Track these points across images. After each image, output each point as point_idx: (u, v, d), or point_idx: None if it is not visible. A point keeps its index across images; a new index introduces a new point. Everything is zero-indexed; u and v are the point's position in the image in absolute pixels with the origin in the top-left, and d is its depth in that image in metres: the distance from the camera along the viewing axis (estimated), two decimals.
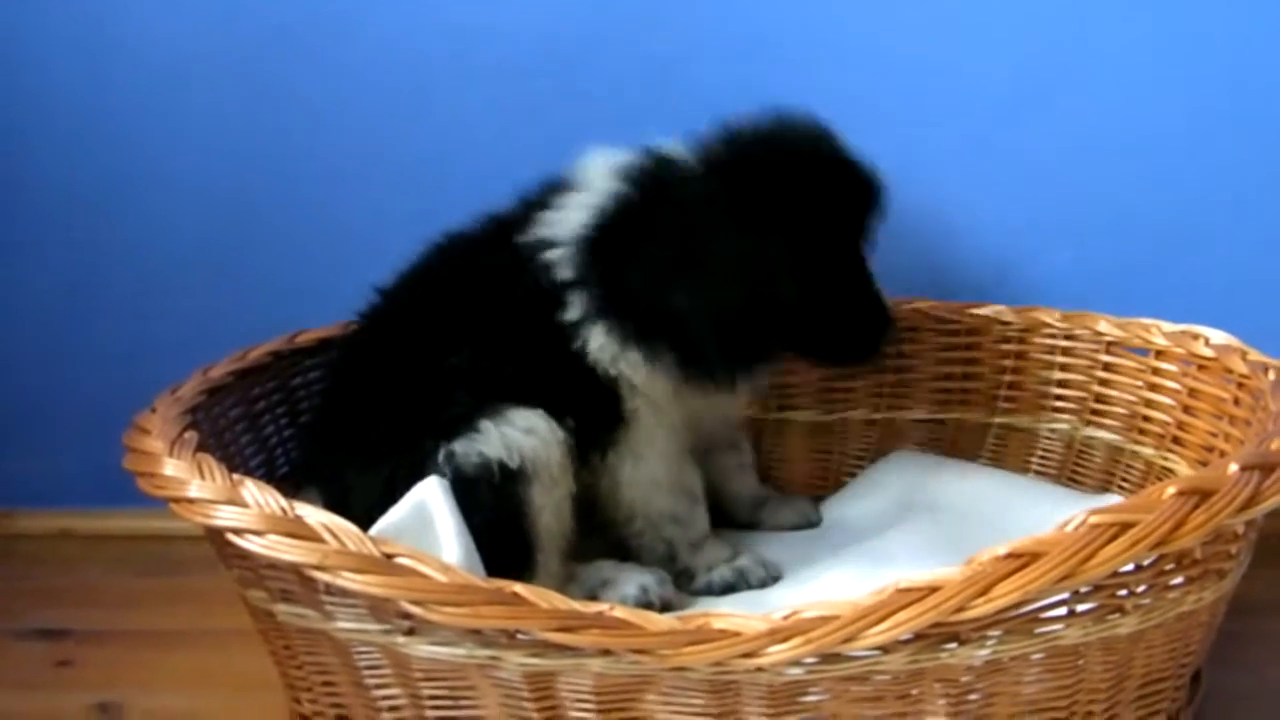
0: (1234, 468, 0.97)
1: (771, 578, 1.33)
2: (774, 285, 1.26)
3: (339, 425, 1.32)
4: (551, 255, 1.29)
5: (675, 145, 1.32)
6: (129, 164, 1.61)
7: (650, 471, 1.32)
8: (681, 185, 1.29)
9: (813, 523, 1.48)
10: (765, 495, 1.50)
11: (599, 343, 1.28)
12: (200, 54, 1.58)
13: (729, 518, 1.47)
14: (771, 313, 1.27)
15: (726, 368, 1.30)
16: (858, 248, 1.32)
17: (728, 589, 1.32)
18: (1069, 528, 0.94)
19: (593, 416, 1.30)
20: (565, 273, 1.28)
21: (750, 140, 1.31)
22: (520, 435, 1.23)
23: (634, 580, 1.28)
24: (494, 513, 1.20)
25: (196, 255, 1.62)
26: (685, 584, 1.33)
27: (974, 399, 1.52)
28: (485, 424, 1.23)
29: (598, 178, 1.32)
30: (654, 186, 1.30)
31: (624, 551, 1.35)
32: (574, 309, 1.28)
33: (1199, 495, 0.95)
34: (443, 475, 1.19)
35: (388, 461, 1.24)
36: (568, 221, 1.30)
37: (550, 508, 1.24)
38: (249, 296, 1.61)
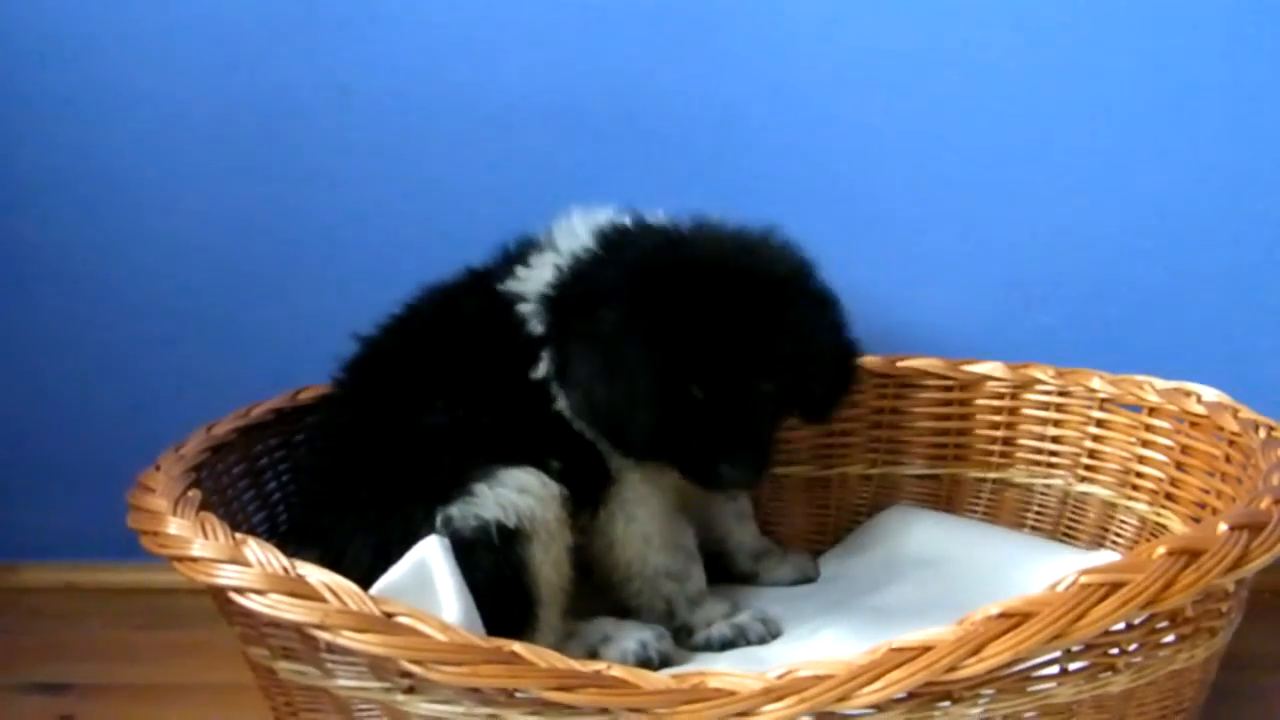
0: (1223, 527, 0.99)
1: (771, 634, 1.34)
2: (635, 408, 1.24)
3: (330, 487, 1.31)
4: (524, 309, 1.30)
5: (667, 220, 1.33)
6: (130, 221, 1.62)
7: (642, 529, 1.33)
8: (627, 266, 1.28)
9: (811, 578, 1.49)
10: (766, 547, 1.50)
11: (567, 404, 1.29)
12: (202, 114, 1.60)
13: (727, 568, 1.47)
14: (628, 429, 1.26)
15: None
16: (753, 386, 1.26)
17: (727, 645, 1.33)
18: (1060, 587, 0.96)
19: (580, 474, 1.30)
20: (536, 328, 1.29)
21: (701, 251, 1.28)
22: (514, 495, 1.23)
23: (634, 636, 1.29)
24: (494, 572, 1.21)
25: (198, 311, 1.64)
26: (684, 640, 1.34)
27: (969, 455, 1.53)
28: (479, 487, 1.23)
29: (570, 236, 1.33)
30: (621, 252, 1.30)
31: (624, 608, 1.36)
32: (545, 365, 1.29)
33: (1189, 555, 0.96)
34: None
35: (381, 525, 1.24)
36: (537, 278, 1.31)
37: (550, 563, 1.25)
38: (250, 352, 1.62)
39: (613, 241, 1.31)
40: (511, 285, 1.32)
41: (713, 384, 1.25)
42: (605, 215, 1.35)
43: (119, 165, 1.61)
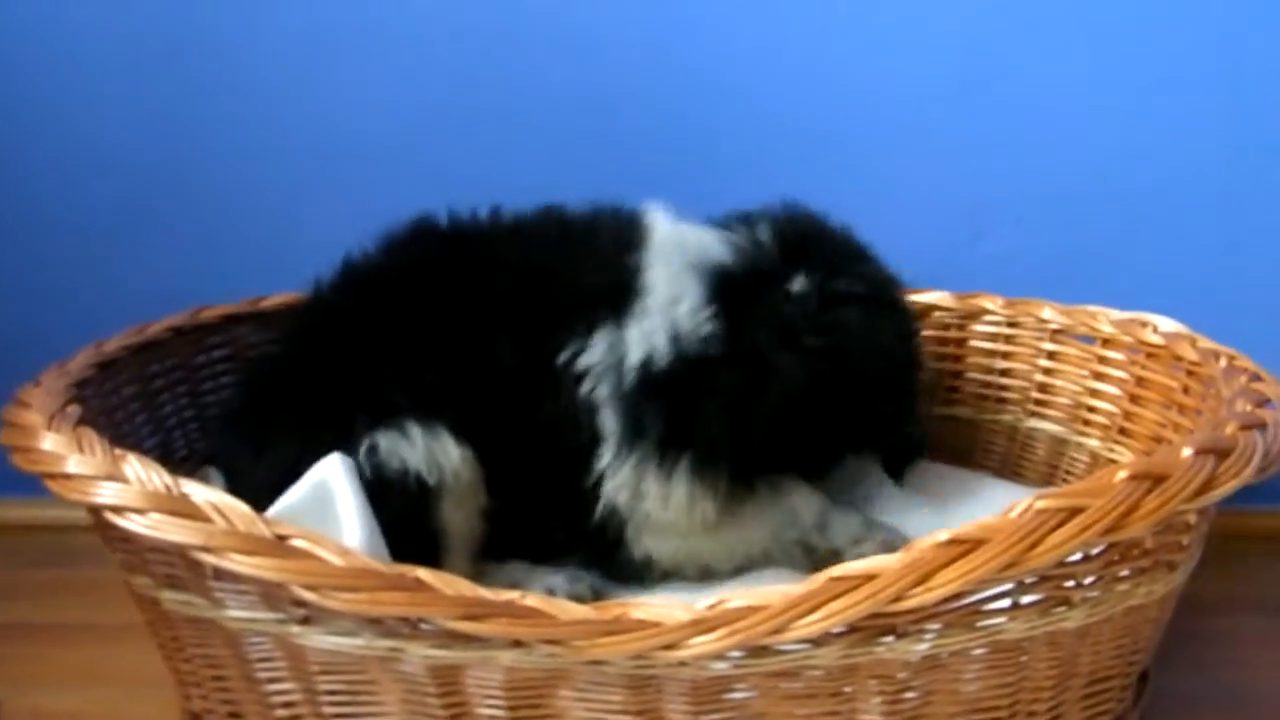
0: (1188, 452, 0.92)
1: (903, 539, 1.22)
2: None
3: (281, 384, 1.22)
4: (598, 395, 1.17)
5: (751, 232, 1.21)
6: (25, 117, 1.52)
7: (712, 556, 1.22)
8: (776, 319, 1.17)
9: None
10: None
11: (622, 483, 1.18)
12: (109, 4, 1.49)
13: None
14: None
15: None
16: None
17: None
18: (1014, 513, 0.88)
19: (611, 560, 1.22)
20: (610, 423, 1.17)
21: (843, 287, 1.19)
22: (442, 453, 1.15)
23: (541, 582, 1.20)
24: (403, 519, 1.12)
25: (93, 224, 1.54)
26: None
27: None
28: (414, 429, 1.15)
29: (673, 285, 1.17)
30: (747, 309, 1.17)
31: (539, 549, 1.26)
32: (605, 455, 1.18)
33: (1151, 480, 0.90)
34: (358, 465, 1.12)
35: (314, 431, 1.15)
36: (630, 350, 1.16)
37: (460, 518, 1.18)
38: (149, 270, 1.52)
39: (732, 296, 1.17)
40: (585, 358, 1.17)
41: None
42: (699, 242, 1.20)
43: (10, 60, 1.50)
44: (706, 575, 1.22)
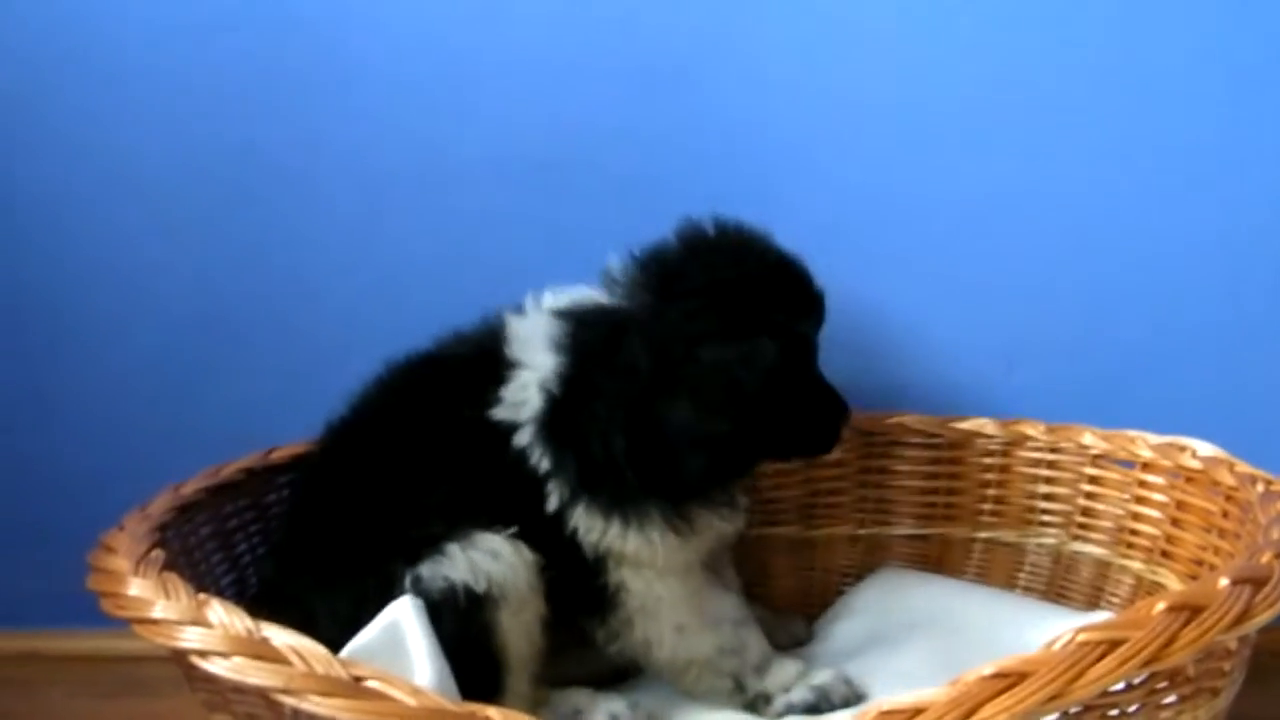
0: (1225, 582, 0.95)
1: (855, 696, 1.26)
2: (752, 395, 1.23)
3: (305, 547, 1.28)
4: (521, 440, 1.25)
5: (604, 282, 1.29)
6: (95, 270, 1.59)
7: (672, 621, 1.26)
8: (628, 326, 1.24)
9: (802, 641, 1.44)
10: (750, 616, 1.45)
11: (585, 524, 1.24)
12: (172, 162, 1.57)
13: None
14: (750, 421, 1.23)
15: (709, 483, 1.27)
16: (810, 349, 1.30)
17: (811, 710, 1.25)
18: (1057, 646, 0.92)
19: (578, 587, 1.26)
20: (543, 463, 1.24)
21: (702, 255, 1.27)
22: (487, 559, 1.20)
23: (604, 710, 1.24)
24: (460, 636, 1.16)
25: (166, 368, 1.60)
26: (764, 709, 1.26)
27: (959, 513, 1.50)
28: (451, 547, 1.20)
29: (534, 351, 1.27)
30: (595, 343, 1.25)
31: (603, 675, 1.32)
32: (554, 498, 1.24)
33: (1190, 610, 0.93)
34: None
35: (355, 584, 1.20)
36: (525, 404, 1.26)
37: (519, 630, 1.21)
38: (220, 411, 1.59)
39: (579, 343, 1.26)
40: (500, 412, 1.26)
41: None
42: (543, 317, 1.29)
43: (82, 211, 1.58)
44: (645, 650, 1.27)
